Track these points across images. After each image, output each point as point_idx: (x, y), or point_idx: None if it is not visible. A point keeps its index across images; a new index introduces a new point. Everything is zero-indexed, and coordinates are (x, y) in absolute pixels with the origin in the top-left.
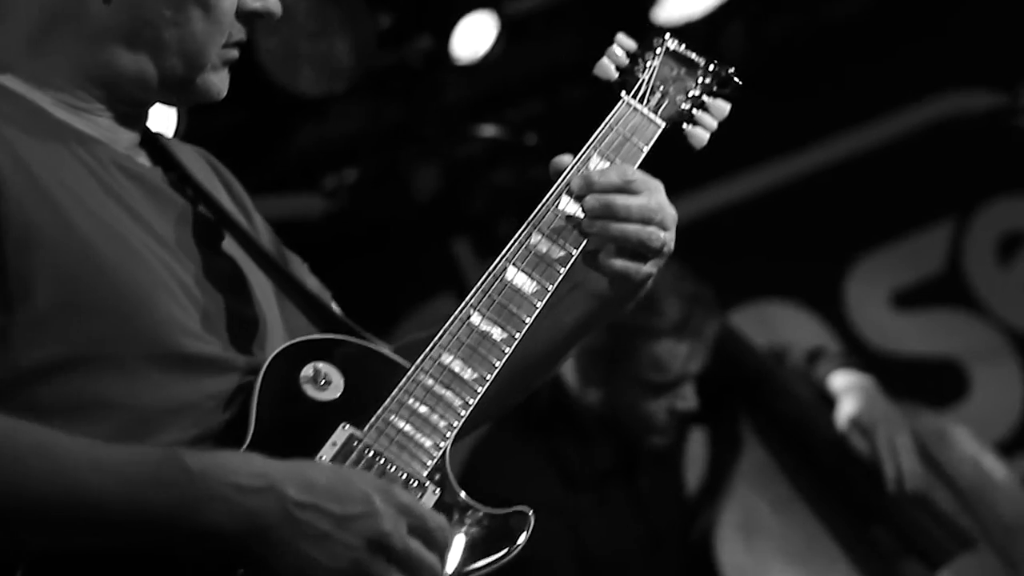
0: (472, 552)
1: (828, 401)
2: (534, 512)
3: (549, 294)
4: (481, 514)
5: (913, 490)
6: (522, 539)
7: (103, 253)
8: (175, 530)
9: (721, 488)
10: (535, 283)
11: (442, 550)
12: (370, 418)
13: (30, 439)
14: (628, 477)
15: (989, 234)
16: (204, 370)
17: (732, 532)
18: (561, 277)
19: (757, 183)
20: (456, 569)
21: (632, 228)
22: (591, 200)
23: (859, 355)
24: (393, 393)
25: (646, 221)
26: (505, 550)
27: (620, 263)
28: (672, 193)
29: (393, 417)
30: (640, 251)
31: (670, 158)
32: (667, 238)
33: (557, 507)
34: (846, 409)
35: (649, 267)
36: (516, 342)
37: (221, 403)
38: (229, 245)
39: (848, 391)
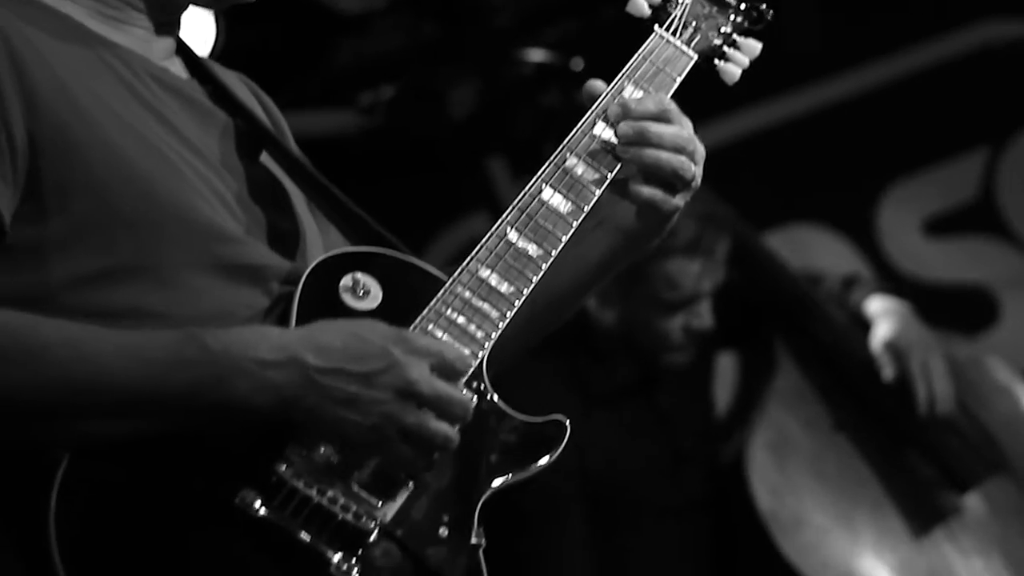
0: (509, 460)
1: (863, 326)
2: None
3: (584, 214)
4: (518, 422)
5: (944, 414)
6: (559, 448)
7: (138, 164)
8: (203, 409)
9: (754, 409)
10: (570, 203)
11: (465, 375)
12: (409, 327)
13: (53, 330)
14: (648, 395)
15: (1022, 162)
16: (241, 279)
17: (764, 452)
18: (595, 199)
19: (794, 107)
20: (493, 477)
21: (665, 156)
22: (626, 127)
23: (891, 281)
24: (431, 303)
25: (679, 150)
26: (542, 459)
27: (649, 191)
28: (709, 116)
29: (431, 327)
30: (671, 181)
31: (707, 81)
32: (697, 172)
33: (574, 424)
34: (881, 332)
35: (678, 199)
36: (551, 259)
37: (259, 312)
38: (267, 159)
39: (884, 315)
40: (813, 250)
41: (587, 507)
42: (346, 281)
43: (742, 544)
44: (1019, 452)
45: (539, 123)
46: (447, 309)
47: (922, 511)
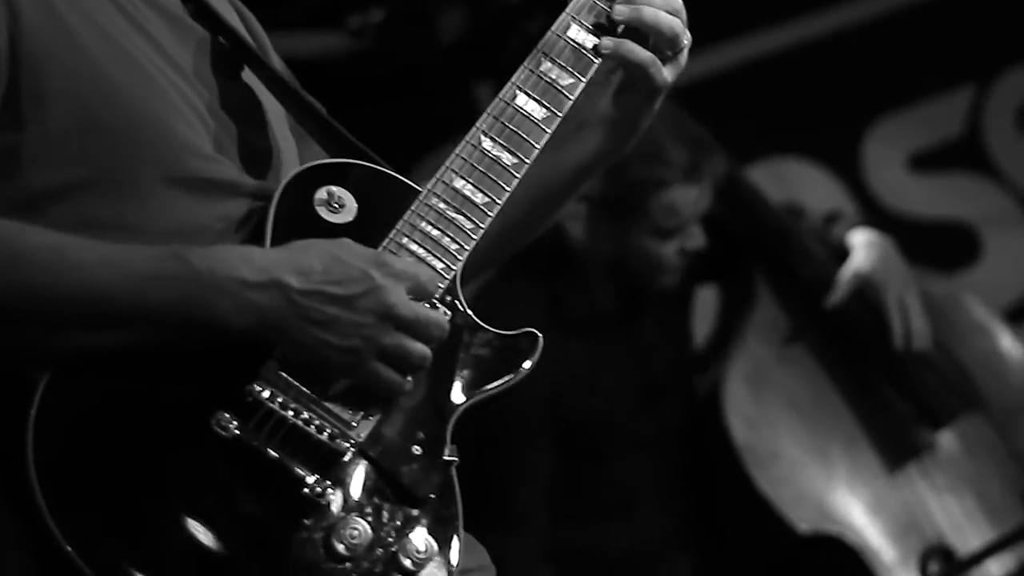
0: (482, 374)
1: (844, 260)
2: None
3: (559, 119)
4: (491, 336)
5: (920, 350)
6: (531, 361)
7: (117, 76)
8: (184, 325)
9: (732, 341)
10: (545, 109)
11: (433, 294)
12: (383, 240)
13: (38, 236)
14: (627, 324)
15: (1010, 101)
16: (217, 193)
17: (740, 384)
18: (571, 103)
19: (780, 40)
20: (466, 392)
21: (664, 16)
22: (620, 6)
23: (874, 216)
24: (405, 216)
25: (675, 13)
26: (514, 372)
27: (647, 53)
28: (694, 48)
29: (405, 239)
30: (668, 44)
31: (692, 14)
32: (687, 44)
33: (550, 352)
34: (856, 261)
35: (668, 72)
36: (527, 167)
37: (233, 225)
38: (247, 76)
39: (863, 247)
40: (796, 184)
41: (560, 436)
42: (321, 194)
43: (717, 476)
44: (994, 390)
45: (526, 49)
46: (421, 222)
47: (896, 447)
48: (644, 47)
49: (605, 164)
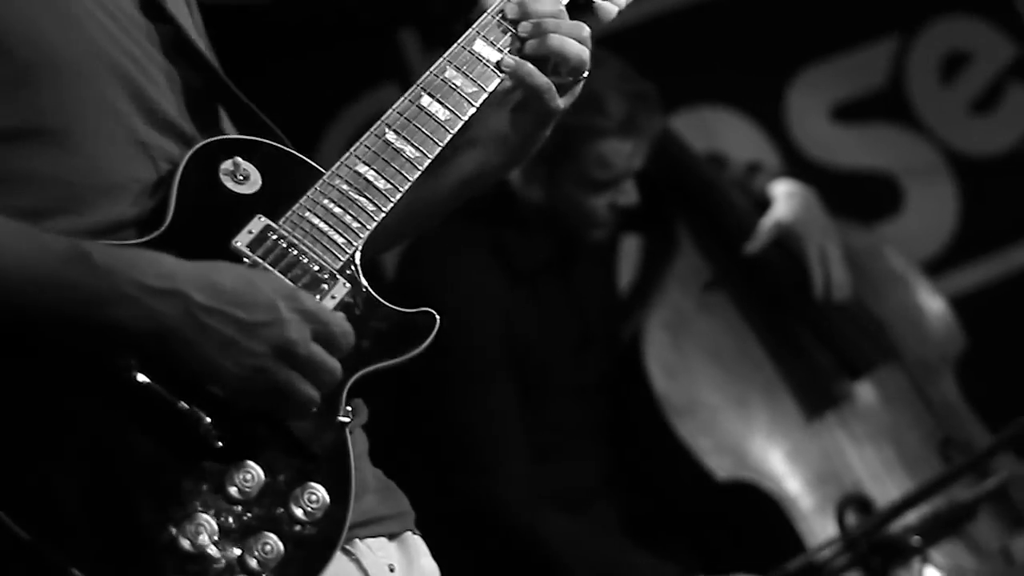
0: (380, 348)
1: (765, 211)
2: (476, 303)
3: (461, 123)
4: (389, 311)
5: (840, 300)
6: (428, 338)
7: (44, 26)
8: (80, 324)
9: (653, 289)
10: (448, 112)
11: (343, 352)
12: (286, 212)
13: None
14: (563, 271)
15: (933, 52)
16: (140, 155)
17: (661, 332)
18: (473, 110)
19: None
20: (363, 363)
21: (571, 43)
22: (526, 25)
23: (797, 165)
24: (309, 192)
25: (581, 42)
26: (411, 349)
27: (546, 79)
28: None
29: (308, 213)
30: (571, 70)
31: None
32: (586, 73)
33: (496, 298)
34: (777, 211)
35: (564, 100)
36: (428, 161)
37: (148, 188)
38: (173, 45)
39: (785, 197)
40: (719, 134)
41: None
42: (227, 165)
43: (640, 424)
44: (912, 341)
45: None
46: (324, 199)
47: (815, 396)
48: (544, 71)
49: (491, 180)
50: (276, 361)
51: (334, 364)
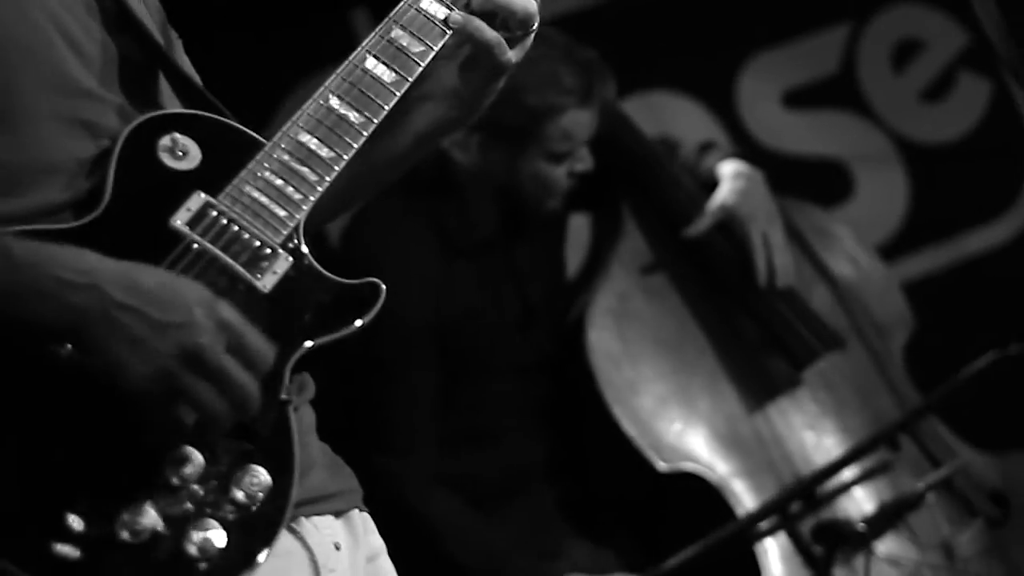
0: (323, 321)
1: (713, 192)
2: (410, 280)
3: (408, 84)
4: (332, 283)
5: (783, 286)
6: (373, 310)
7: None
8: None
9: (598, 272)
10: (394, 73)
11: (259, 372)
12: (225, 187)
13: None
14: (506, 249)
15: (885, 39)
16: (79, 133)
17: (604, 316)
18: (420, 70)
19: None
20: (306, 337)
21: None
22: None
23: (748, 151)
24: (248, 165)
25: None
26: (356, 320)
27: (495, 34)
28: None
29: (248, 187)
30: (519, 23)
31: None
32: (536, 22)
33: (431, 276)
34: (723, 193)
35: (513, 53)
36: (373, 126)
37: (87, 166)
38: (116, 20)
39: (732, 178)
40: (670, 118)
41: (442, 359)
42: (165, 141)
43: (582, 408)
44: (860, 323)
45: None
46: (265, 171)
47: (759, 384)
48: (492, 25)
49: (445, 134)
50: (183, 365)
51: (246, 380)
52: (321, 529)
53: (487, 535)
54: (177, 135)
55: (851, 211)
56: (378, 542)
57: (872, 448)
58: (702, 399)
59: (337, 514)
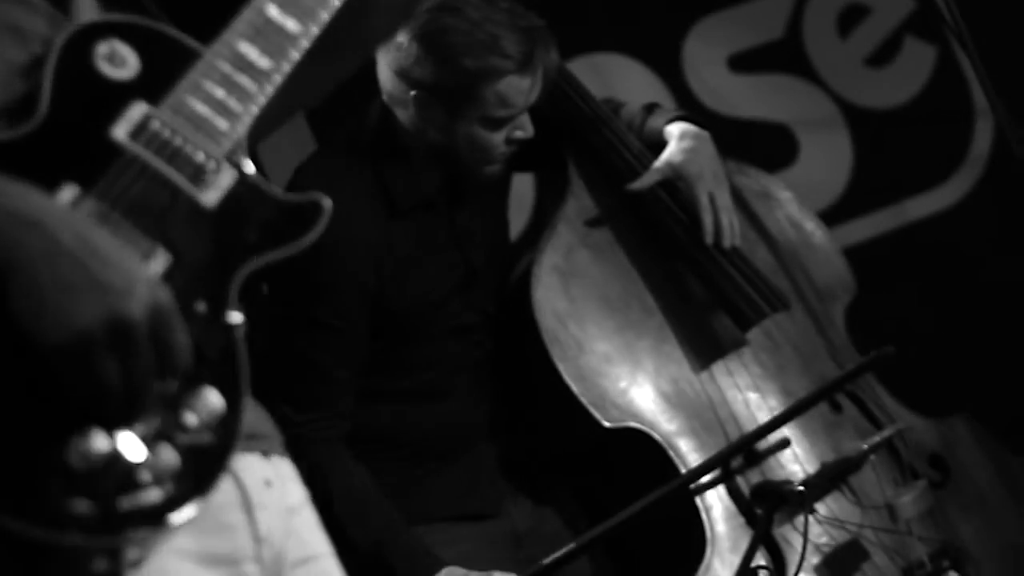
0: (266, 238)
1: (660, 152)
2: (350, 241)
3: None
4: (276, 199)
5: (729, 246)
6: (317, 226)
7: None
8: None
9: (544, 231)
10: None
11: (172, 372)
12: (164, 97)
13: None
14: (451, 209)
15: (831, 4)
16: (8, 39)
17: (550, 275)
18: None
19: None
20: (251, 255)
21: None
22: None
23: (693, 114)
24: (188, 74)
25: None
26: (298, 238)
27: None
28: None
29: (188, 97)
30: None
31: None
32: None
33: (374, 237)
34: (669, 152)
35: None
36: (312, 37)
37: (21, 72)
38: None
39: (679, 137)
40: (616, 81)
41: (381, 318)
42: (102, 49)
43: (526, 367)
44: (802, 287)
45: None
46: (205, 81)
47: (705, 344)
48: None
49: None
50: (105, 333)
51: (150, 378)
52: (252, 465)
53: (381, 510)
54: (116, 43)
55: (795, 175)
56: (299, 491)
57: (809, 407)
58: (648, 358)
59: (264, 453)
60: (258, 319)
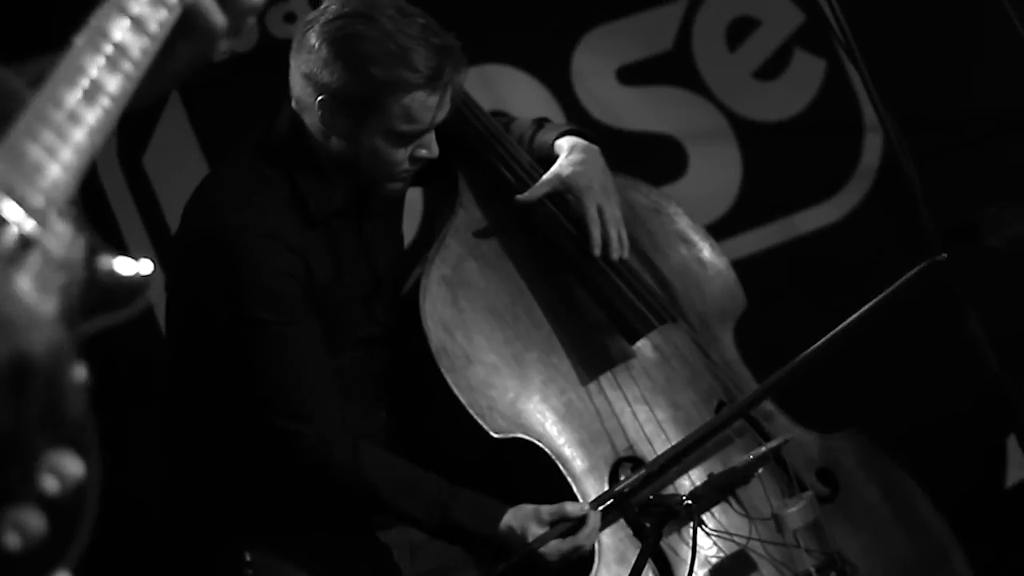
0: (98, 300)
1: (549, 165)
2: (275, 245)
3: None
4: (106, 264)
5: (617, 258)
6: (141, 299)
7: None
8: None
9: (433, 243)
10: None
11: (61, 420)
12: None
13: None
14: (356, 221)
15: (720, 17)
16: None
17: (439, 287)
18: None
19: None
20: (85, 312)
21: None
22: None
23: (583, 126)
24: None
25: None
26: (125, 307)
27: (220, 17)
28: None
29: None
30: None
31: None
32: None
33: (293, 241)
34: (559, 165)
35: (229, 44)
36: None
37: None
38: None
39: (568, 151)
40: (505, 93)
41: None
42: None
43: (418, 378)
44: (692, 301)
45: None
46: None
47: (593, 356)
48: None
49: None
50: (6, 370)
51: (35, 430)
52: None
53: (427, 479)
54: None
55: (684, 188)
56: None
57: (712, 436)
58: (536, 369)
59: None
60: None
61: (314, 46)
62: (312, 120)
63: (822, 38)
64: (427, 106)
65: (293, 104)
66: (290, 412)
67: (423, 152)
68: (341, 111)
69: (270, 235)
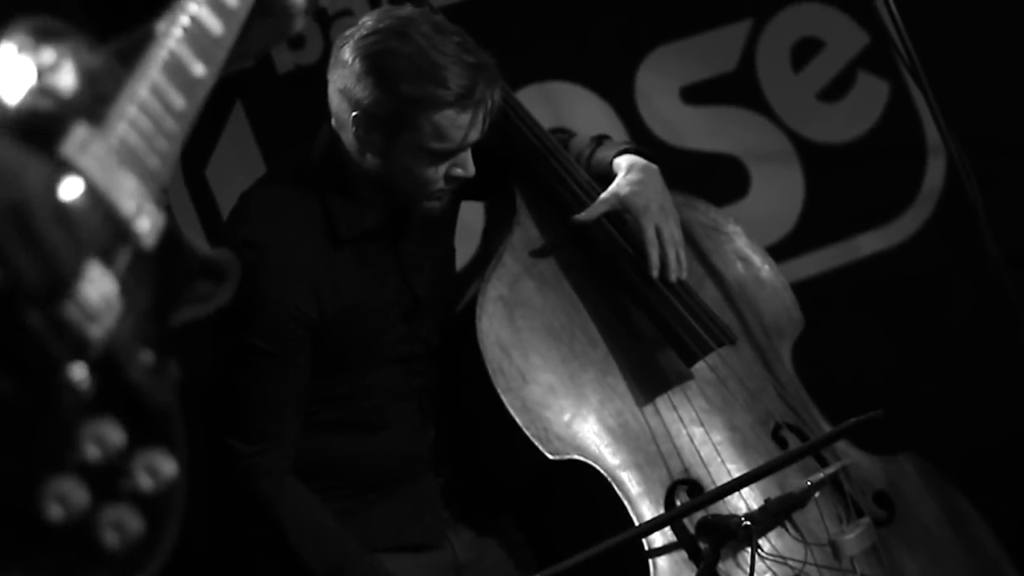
0: (185, 291)
1: (608, 183)
2: (295, 274)
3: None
4: (195, 251)
5: (675, 280)
6: (229, 288)
7: None
8: None
9: (490, 261)
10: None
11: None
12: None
13: None
14: (392, 240)
15: (785, 37)
16: None
17: (495, 304)
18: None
19: None
20: (175, 303)
21: None
22: None
23: (645, 145)
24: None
25: None
26: (211, 298)
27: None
28: None
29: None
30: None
31: None
32: None
33: (317, 269)
34: (617, 184)
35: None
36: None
37: None
38: None
39: (627, 170)
40: (567, 107)
41: (324, 349)
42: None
43: (470, 397)
44: (752, 320)
45: None
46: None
47: (650, 377)
48: None
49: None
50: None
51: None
52: None
53: (337, 538)
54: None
55: (746, 208)
56: None
57: (777, 469)
58: (592, 390)
59: None
60: (200, 353)
61: (348, 61)
62: (348, 137)
63: (886, 60)
64: (458, 124)
65: (332, 121)
66: (239, 431)
67: (458, 171)
68: (374, 128)
69: (288, 264)
